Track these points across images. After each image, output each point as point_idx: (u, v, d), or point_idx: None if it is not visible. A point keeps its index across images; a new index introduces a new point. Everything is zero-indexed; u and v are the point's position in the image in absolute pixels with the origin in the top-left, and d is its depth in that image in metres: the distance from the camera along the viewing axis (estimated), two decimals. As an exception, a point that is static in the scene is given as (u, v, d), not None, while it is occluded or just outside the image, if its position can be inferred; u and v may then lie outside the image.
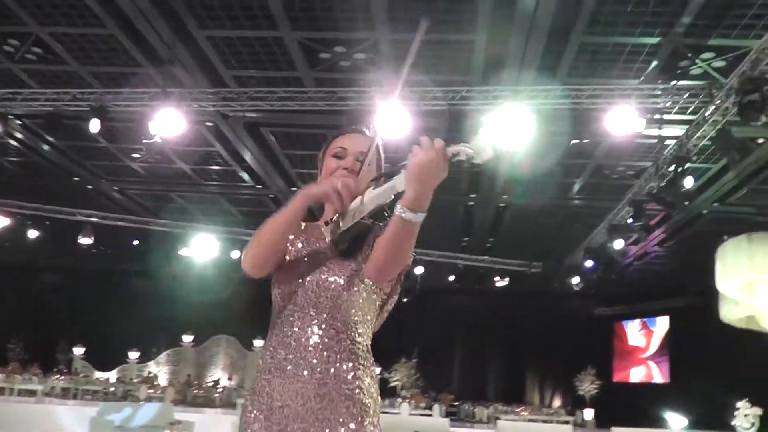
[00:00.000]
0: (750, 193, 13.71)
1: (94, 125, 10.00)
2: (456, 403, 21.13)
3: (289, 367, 2.14)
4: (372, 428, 2.08)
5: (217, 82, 10.46)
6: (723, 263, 11.80)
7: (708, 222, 15.56)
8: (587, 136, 10.92)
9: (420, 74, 9.71)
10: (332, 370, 2.11)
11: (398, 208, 1.95)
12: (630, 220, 12.75)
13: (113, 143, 12.82)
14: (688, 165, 10.17)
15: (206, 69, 10.16)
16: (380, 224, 2.21)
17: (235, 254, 18.01)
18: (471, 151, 1.86)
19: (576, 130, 10.85)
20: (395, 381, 21.54)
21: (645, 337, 24.55)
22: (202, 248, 17.63)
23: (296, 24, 8.94)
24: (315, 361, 2.12)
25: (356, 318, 2.19)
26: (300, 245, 2.32)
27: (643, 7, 8.17)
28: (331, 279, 2.20)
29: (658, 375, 23.79)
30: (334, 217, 2.19)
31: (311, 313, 2.19)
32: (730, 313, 13.65)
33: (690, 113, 10.25)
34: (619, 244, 13.80)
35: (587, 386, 23.18)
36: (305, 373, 2.12)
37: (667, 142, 11.02)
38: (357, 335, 2.18)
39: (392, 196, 2.11)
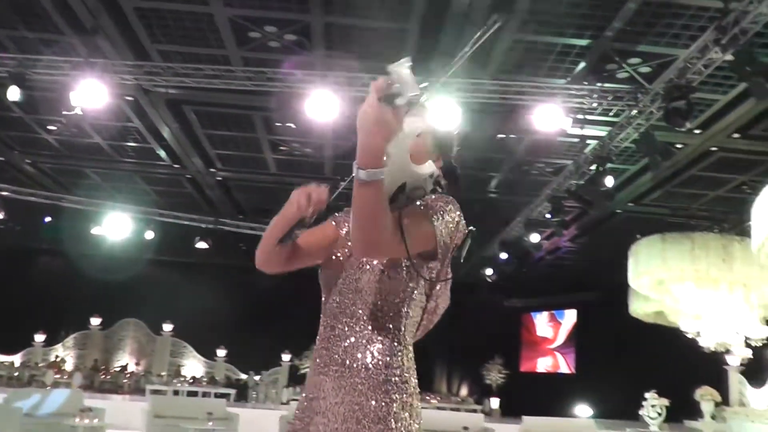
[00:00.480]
0: (664, 195, 14.21)
1: (13, 93, 9.50)
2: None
3: (317, 359, 2.10)
4: (400, 426, 1.96)
5: (141, 55, 10.14)
6: (636, 261, 12.22)
7: (621, 221, 16.05)
8: (513, 132, 11.07)
9: (351, 60, 9.68)
10: (350, 361, 2.01)
11: (354, 168, 1.75)
12: (548, 216, 13.02)
13: (29, 113, 12.29)
14: (608, 165, 10.42)
15: (131, 41, 9.82)
16: (411, 200, 2.10)
17: (149, 235, 17.63)
18: (398, 85, 1.67)
19: (502, 125, 10.98)
20: (306, 368, 21.46)
21: (553, 328, 25.22)
22: (115, 227, 17.15)
23: (228, 0, 8.75)
24: (335, 351, 2.05)
25: (384, 303, 2.05)
26: (346, 229, 2.26)
27: (576, 10, 8.31)
28: (355, 261, 2.12)
29: (564, 366, 24.47)
30: None
31: (337, 299, 2.12)
32: (640, 308, 14.19)
33: (613, 115, 10.54)
34: (535, 238, 14.08)
35: (494, 375, 23.65)
36: (327, 364, 2.05)
37: (588, 141, 11.28)
38: (386, 324, 2.05)
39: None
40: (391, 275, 2.04)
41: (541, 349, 25.47)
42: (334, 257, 2.19)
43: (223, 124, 12.55)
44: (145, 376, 21.24)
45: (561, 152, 12.48)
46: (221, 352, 22.45)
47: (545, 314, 25.53)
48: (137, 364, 23.00)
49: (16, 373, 19.99)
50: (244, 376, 22.30)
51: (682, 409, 13.24)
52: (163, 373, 21.80)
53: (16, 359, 22.07)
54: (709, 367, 13.61)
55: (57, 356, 22.35)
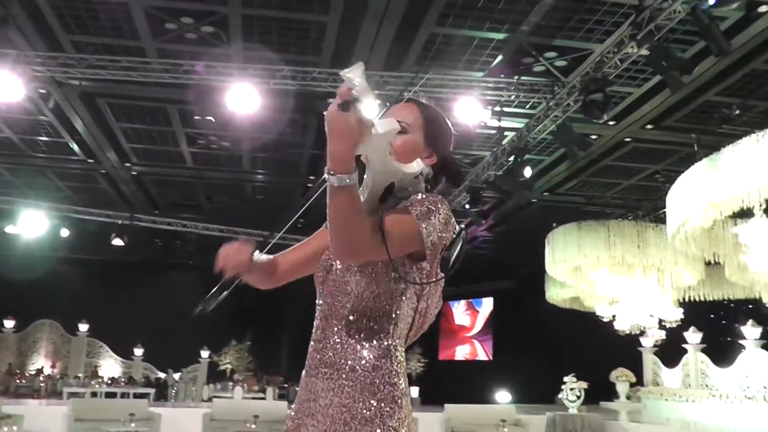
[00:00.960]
0: (579, 185, 14.57)
1: None
2: (285, 386, 21.13)
3: (308, 360, 2.07)
4: (390, 429, 1.92)
5: (54, 47, 9.82)
6: (553, 249, 12.50)
7: (536, 210, 16.38)
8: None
9: (270, 52, 9.59)
10: (339, 363, 1.99)
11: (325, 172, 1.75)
12: (467, 206, 13.17)
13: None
14: (527, 156, 10.61)
15: (44, 32, 9.50)
16: (398, 201, 2.06)
17: (64, 232, 17.13)
18: (356, 88, 1.67)
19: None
20: (225, 364, 21.23)
21: (470, 317, 25.58)
22: (30, 225, 16.60)
23: (143, -9, 8.57)
24: (336, 357, 2.01)
25: (374, 306, 2.02)
26: None
27: (493, 4, 8.43)
28: (347, 269, 2.07)
29: (482, 353, 24.86)
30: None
31: (331, 301, 2.09)
32: (557, 294, 14.55)
33: (529, 107, 10.73)
34: (454, 228, 14.21)
35: (414, 364, 23.85)
36: (317, 366, 2.03)
37: (506, 133, 11.46)
38: (376, 327, 2.02)
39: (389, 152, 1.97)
40: (380, 277, 2.02)
41: (459, 338, 25.81)
42: (326, 260, 2.15)
43: (139, 117, 12.28)
44: (62, 378, 20.61)
45: (478, 144, 12.64)
46: (138, 351, 21.96)
47: (462, 303, 25.86)
48: (53, 366, 22.24)
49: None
50: (162, 375, 21.90)
51: (599, 391, 13.61)
52: (79, 375, 21.21)
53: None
54: (624, 350, 14.00)
55: (-30, 361, 21.49)
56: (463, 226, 2.08)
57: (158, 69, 9.89)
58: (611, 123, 11.27)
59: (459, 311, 25.95)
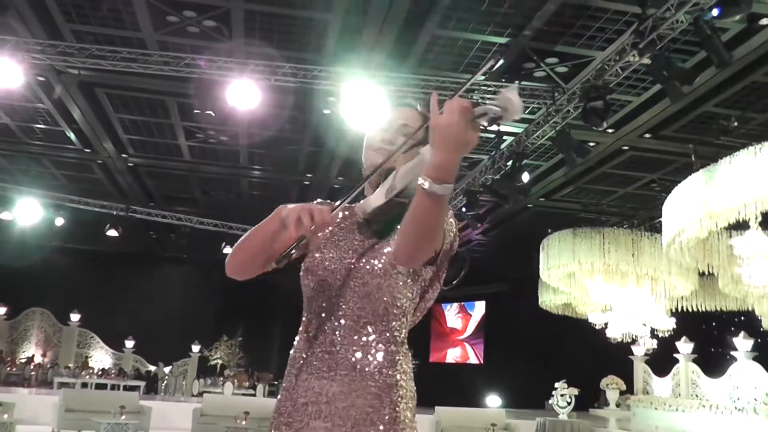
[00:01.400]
0: (576, 191, 14.58)
1: None
2: (276, 382, 21.12)
3: (315, 362, 2.00)
4: (402, 429, 1.93)
5: (54, 35, 9.78)
6: (547, 254, 12.53)
7: (531, 215, 16.39)
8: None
9: (272, 48, 9.58)
10: (361, 365, 1.96)
11: (420, 179, 1.73)
12: (463, 209, 13.18)
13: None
14: (525, 161, 10.62)
15: (44, 19, 9.45)
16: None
17: (59, 221, 17.07)
18: (499, 109, 1.66)
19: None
20: (216, 359, 21.22)
21: (462, 320, 25.59)
22: (25, 212, 16.54)
23: (147, -17, 8.55)
24: (342, 355, 1.98)
25: (390, 307, 2.02)
26: (332, 229, 2.16)
27: (497, 8, 8.41)
28: (363, 264, 2.04)
29: (473, 356, 24.87)
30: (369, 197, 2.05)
31: (340, 302, 2.03)
32: (549, 300, 14.58)
33: (529, 113, 10.72)
34: (450, 231, 14.22)
35: (405, 366, 23.83)
36: (332, 368, 1.98)
37: (505, 138, 11.47)
38: (390, 326, 2.01)
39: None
40: (400, 280, 2.03)
41: (451, 340, 25.81)
42: (340, 263, 2.10)
43: (137, 108, 12.23)
44: (53, 368, 20.58)
45: (477, 147, 12.61)
46: (129, 343, 21.94)
47: (455, 306, 25.87)
48: (44, 355, 22.23)
49: None
50: (152, 368, 21.88)
51: (589, 397, 13.64)
52: (70, 365, 21.18)
53: None
54: (615, 357, 14.06)
55: (-39, 348, 21.45)
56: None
57: (159, 61, 9.86)
58: (610, 131, 11.28)
59: (451, 314, 25.96)
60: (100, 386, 18.25)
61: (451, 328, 25.89)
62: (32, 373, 20.25)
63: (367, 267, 2.03)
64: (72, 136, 13.60)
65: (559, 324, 16.00)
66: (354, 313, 2.02)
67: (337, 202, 2.04)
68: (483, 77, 9.97)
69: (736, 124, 10.47)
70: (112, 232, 16.88)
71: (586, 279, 12.50)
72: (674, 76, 7.82)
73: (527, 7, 8.37)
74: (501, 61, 9.47)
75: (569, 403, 12.63)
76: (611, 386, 13.24)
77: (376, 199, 2.02)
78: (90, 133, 13.39)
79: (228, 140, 13.24)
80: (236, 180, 15.93)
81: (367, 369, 1.96)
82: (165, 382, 21.00)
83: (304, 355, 2.04)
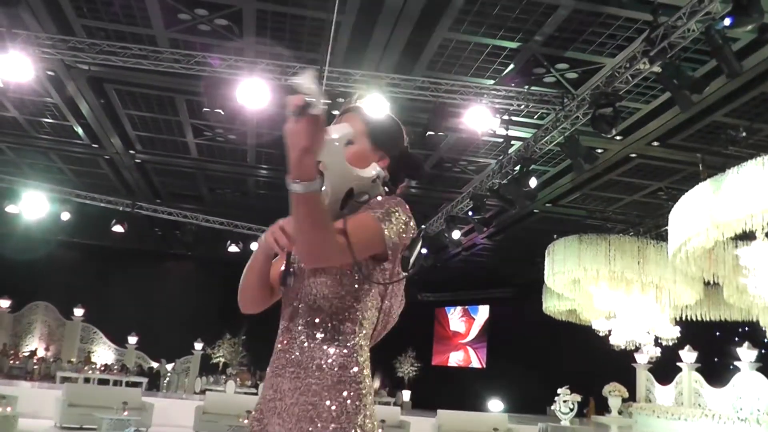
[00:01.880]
0: (582, 197, 14.57)
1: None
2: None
3: (275, 361, 2.09)
4: (358, 428, 1.95)
5: (65, 30, 9.80)
6: (553, 260, 12.49)
7: (537, 220, 16.38)
8: (440, 129, 11.14)
9: (282, 48, 9.59)
10: (304, 363, 2.01)
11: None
12: (470, 213, 13.18)
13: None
14: (532, 166, 10.61)
15: (55, 14, 9.48)
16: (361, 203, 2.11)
17: (65, 216, 17.09)
18: (308, 96, 1.67)
19: (430, 122, 11.02)
20: (218, 357, 21.23)
21: (466, 323, 25.59)
22: (31, 206, 16.57)
23: (159, -20, 8.57)
24: (290, 353, 2.05)
25: (339, 306, 2.05)
26: None
27: (508, 12, 8.41)
28: (299, 268, 2.10)
29: (476, 360, 24.86)
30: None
31: (288, 303, 2.13)
32: (553, 306, 14.55)
33: (537, 118, 10.73)
34: (456, 234, 14.25)
35: (407, 368, 23.87)
36: (284, 366, 2.05)
37: (513, 142, 11.46)
38: (333, 325, 2.04)
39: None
40: (344, 279, 2.05)
41: (454, 344, 25.81)
42: (292, 263, 2.14)
43: (146, 105, 12.26)
44: (56, 362, 20.60)
45: (484, 151, 12.64)
46: (132, 339, 21.96)
47: (459, 309, 25.88)
48: (47, 349, 22.25)
49: None
50: (155, 364, 21.90)
51: (584, 405, 13.61)
52: (73, 360, 21.20)
53: None
54: (618, 365, 14.03)
55: (-35, 340, 21.47)
56: (423, 227, 2.13)
57: (169, 59, 9.88)
58: (618, 138, 11.26)
59: (454, 317, 25.96)
60: (103, 382, 18.29)
61: (454, 331, 25.89)
62: (35, 366, 20.29)
63: (312, 269, 2.07)
64: (80, 131, 13.64)
65: (562, 330, 15.98)
66: (296, 313, 2.09)
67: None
68: (492, 81, 9.99)
69: (744, 134, 10.44)
70: (118, 228, 16.91)
71: (591, 285, 12.47)
72: (684, 84, 7.80)
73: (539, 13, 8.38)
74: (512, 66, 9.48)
75: (572, 410, 12.60)
76: (613, 393, 13.21)
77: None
78: (98, 129, 13.42)
79: (236, 139, 13.26)
80: (243, 178, 15.95)
81: (310, 366, 2.00)
82: (167, 379, 21.03)
83: (273, 358, 2.12)
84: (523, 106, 10.08)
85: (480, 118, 9.73)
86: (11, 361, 20.21)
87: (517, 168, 11.05)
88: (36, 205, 16.65)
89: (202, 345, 21.24)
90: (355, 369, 2.02)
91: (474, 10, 8.47)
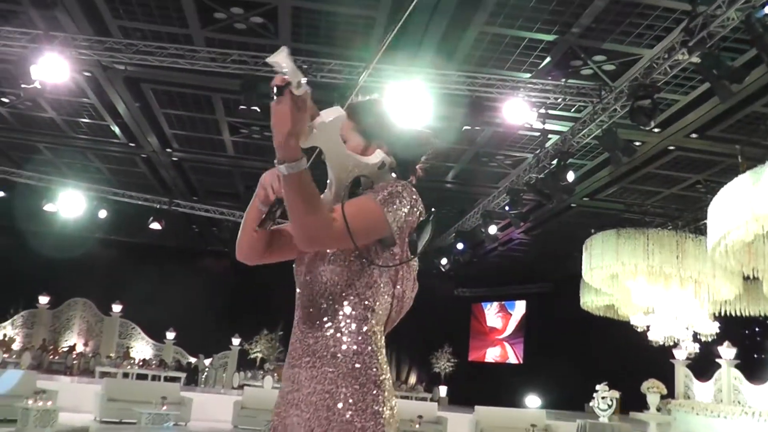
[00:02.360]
0: (619, 191, 14.44)
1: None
2: (316, 377, 21.21)
3: (291, 353, 2.09)
4: (375, 408, 1.96)
5: (101, 31, 9.91)
6: (590, 255, 12.40)
7: (574, 215, 16.25)
8: (477, 124, 11.12)
9: (317, 45, 9.62)
10: (319, 352, 2.01)
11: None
12: (507, 208, 13.12)
13: (-20, 85, 11.96)
14: (570, 160, 10.53)
15: (92, 15, 9.59)
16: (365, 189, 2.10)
17: (102, 214, 17.29)
18: (283, 72, 1.69)
19: (467, 116, 11.01)
20: (255, 353, 21.38)
21: (502, 319, 25.49)
22: (69, 205, 16.80)
23: (195, -21, 8.62)
24: (306, 343, 2.06)
25: (350, 293, 2.04)
26: None
27: (545, 5, 8.34)
28: (308, 259, 2.12)
29: (512, 356, 24.76)
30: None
31: (309, 291, 2.11)
32: (591, 301, 14.43)
33: (574, 111, 10.64)
34: (493, 229, 14.19)
35: (443, 364, 23.85)
36: (300, 356, 2.05)
37: (550, 136, 11.38)
38: (353, 314, 2.04)
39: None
40: (353, 266, 2.05)
41: (490, 339, 25.73)
42: (301, 252, 2.18)
43: (182, 104, 12.36)
44: (95, 357, 20.89)
45: (521, 145, 12.57)
46: (170, 335, 22.20)
47: (495, 305, 25.79)
48: (86, 344, 22.60)
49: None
50: (192, 359, 22.11)
51: (629, 401, 13.50)
52: (111, 355, 21.50)
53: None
54: (656, 361, 13.90)
55: (5, 335, 21.84)
56: (433, 210, 2.11)
57: (205, 57, 9.95)
58: (656, 130, 11.12)
59: (491, 313, 25.88)
60: (141, 376, 18.49)
61: (490, 327, 25.81)
62: (74, 361, 20.59)
63: (321, 256, 2.08)
64: (117, 130, 13.79)
65: (600, 326, 15.85)
66: (309, 303, 2.09)
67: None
68: (529, 75, 9.93)
69: (784, 124, 10.30)
70: (155, 225, 17.05)
71: (629, 280, 12.35)
72: (724, 74, 7.67)
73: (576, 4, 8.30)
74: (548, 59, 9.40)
75: (610, 406, 12.49)
76: (652, 390, 13.06)
77: (325, 195, 2.04)
78: (135, 128, 13.56)
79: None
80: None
81: (326, 355, 2.00)
82: (205, 374, 21.22)
83: (290, 349, 2.12)
84: (560, 99, 9.98)
85: (517, 112, 9.67)
86: (51, 356, 20.54)
87: (555, 162, 10.96)
88: (73, 204, 16.86)
89: (240, 340, 21.42)
90: (370, 355, 2.02)
91: (510, 3, 8.41)
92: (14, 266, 19.66)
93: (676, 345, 13.57)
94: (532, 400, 21.93)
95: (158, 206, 17.22)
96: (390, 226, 2.00)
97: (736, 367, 12.20)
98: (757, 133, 10.78)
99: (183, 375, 19.59)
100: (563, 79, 9.82)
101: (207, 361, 21.57)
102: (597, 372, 13.92)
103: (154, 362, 20.99)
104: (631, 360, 14.65)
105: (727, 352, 12.26)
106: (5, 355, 18.51)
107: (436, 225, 2.11)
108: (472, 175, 14.52)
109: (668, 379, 13.52)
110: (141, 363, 20.46)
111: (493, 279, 24.37)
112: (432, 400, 19.48)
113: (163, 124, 13.33)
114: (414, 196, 2.08)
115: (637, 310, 13.54)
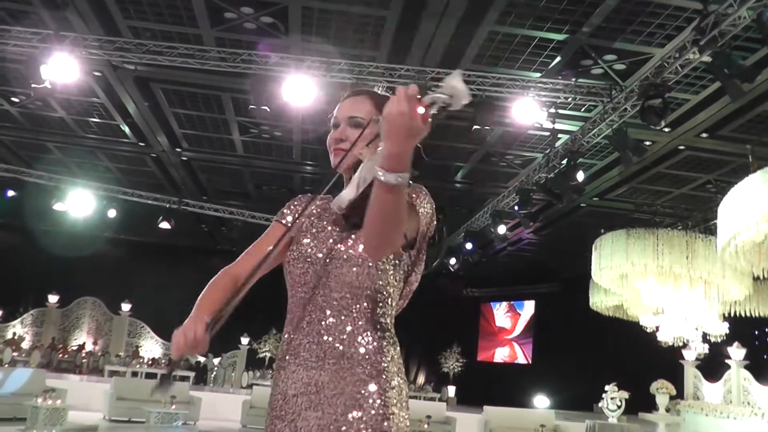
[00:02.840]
0: (629, 191, 14.41)
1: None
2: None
3: (302, 353, 2.03)
4: (393, 410, 1.96)
5: (111, 31, 9.93)
6: (600, 255, 12.37)
7: (584, 214, 16.23)
8: (487, 123, 11.09)
9: (328, 44, 9.62)
10: (348, 353, 1.99)
11: (376, 170, 1.73)
12: (516, 207, 13.11)
13: (-6, 85, 12.02)
14: (580, 159, 10.51)
15: (102, 15, 9.61)
16: None
17: (111, 213, 17.33)
18: (446, 97, 1.64)
19: (476, 116, 10.98)
20: (264, 352, 21.40)
21: (511, 319, 25.46)
22: (78, 204, 16.85)
23: (205, -21, 8.64)
24: (329, 344, 2.01)
25: (373, 294, 2.05)
26: (312, 220, 2.21)
27: (556, 4, 8.33)
28: (342, 254, 2.08)
29: (521, 356, 24.72)
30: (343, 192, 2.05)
31: (324, 292, 2.06)
32: (600, 301, 14.40)
33: (584, 110, 10.62)
34: (502, 229, 14.18)
35: (452, 364, 23.83)
36: (320, 358, 2.01)
37: (560, 135, 11.37)
38: (375, 313, 2.05)
39: None
40: (380, 266, 2.07)
41: (499, 339, 25.69)
42: (308, 253, 2.14)
43: (192, 103, 12.38)
44: (104, 356, 20.95)
45: (530, 145, 12.56)
46: (179, 334, 22.19)
47: (504, 305, 25.76)
48: (95, 343, 22.66)
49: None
50: (202, 359, 22.14)
51: (638, 401, 13.48)
52: (120, 354, 21.55)
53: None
54: (665, 361, 13.87)
55: (15, 333, 21.91)
56: (442, 219, 2.14)
57: (215, 57, 9.96)
58: (666, 130, 11.09)
59: (500, 313, 25.84)
60: (150, 375, 18.51)
61: (499, 327, 25.78)
62: (83, 360, 20.65)
63: (345, 256, 2.06)
64: (126, 129, 13.83)
65: (609, 326, 15.82)
66: (338, 302, 2.04)
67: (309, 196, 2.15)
68: (539, 74, 9.92)
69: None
70: (165, 224, 17.08)
71: (639, 281, 12.32)
72: (735, 74, 7.65)
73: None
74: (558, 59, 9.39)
75: (619, 407, 12.46)
76: (661, 390, 13.02)
77: (348, 193, 2.00)
78: (144, 127, 13.59)
79: (281, 135, 13.34)
80: (289, 175, 16.04)
81: (355, 356, 1.98)
82: (214, 373, 21.24)
83: (291, 349, 2.06)
84: (570, 99, 9.97)
85: (526, 112, 9.66)
86: (60, 355, 20.60)
87: (564, 162, 10.96)
88: (83, 203, 16.90)
89: (249, 340, 21.43)
90: (392, 352, 2.04)
91: (521, 2, 8.41)
92: (24, 265, 19.79)
93: (685, 345, 13.53)
94: (541, 401, 21.89)
95: (168, 206, 17.25)
96: (420, 231, 2.06)
97: (746, 368, 12.15)
98: (767, 133, 10.75)
99: (192, 374, 19.61)
100: (573, 79, 9.80)
101: (216, 361, 21.59)
102: (606, 372, 13.91)
103: (163, 361, 21.01)
104: (640, 360, 14.63)
105: (736, 352, 12.22)
106: (15, 354, 18.55)
107: (443, 226, 2.16)
108: (481, 175, 14.50)
109: (677, 380, 13.48)
110: (150, 362, 20.50)
111: (501, 279, 24.35)
112: (440, 400, 19.46)
113: (172, 123, 13.35)
114: (432, 202, 2.12)
115: (647, 310, 13.51)
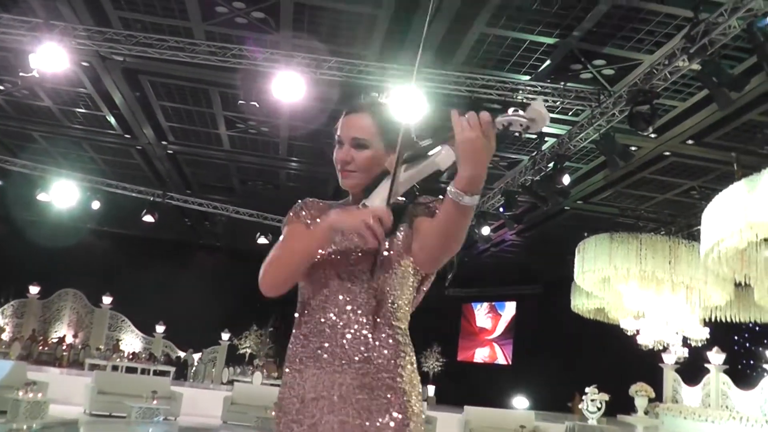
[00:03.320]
0: (614, 195, 14.49)
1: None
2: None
3: (324, 356, 2.03)
4: (414, 418, 2.00)
5: (101, 21, 9.87)
6: (583, 258, 12.44)
7: (567, 217, 16.30)
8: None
9: (318, 42, 9.62)
10: (371, 357, 2.01)
11: (452, 192, 1.82)
12: (501, 209, 13.15)
13: (-22, 73, 11.91)
14: (566, 163, 10.56)
15: (92, 6, 9.55)
16: (416, 203, 2.15)
17: (95, 205, 17.22)
18: (525, 120, 1.75)
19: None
20: (245, 348, 21.34)
21: (492, 320, 25.53)
22: (62, 195, 16.73)
23: (197, -27, 8.61)
24: (352, 348, 2.02)
25: (397, 301, 2.09)
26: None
27: (548, 8, 8.36)
28: (369, 261, 2.08)
29: (501, 357, 24.80)
30: (365, 200, 2.07)
31: (347, 298, 2.07)
32: (582, 304, 14.49)
33: (572, 114, 10.67)
34: (486, 230, 14.22)
35: (432, 363, 23.87)
36: (343, 362, 2.01)
37: (546, 139, 11.42)
38: (395, 319, 2.08)
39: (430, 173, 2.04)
40: (405, 276, 2.13)
41: (480, 340, 25.76)
42: (365, 257, 2.12)
43: (180, 96, 12.32)
44: (84, 349, 20.83)
45: (516, 147, 12.60)
46: (160, 328, 22.15)
47: (485, 305, 25.83)
48: (75, 336, 22.51)
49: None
50: (182, 354, 22.09)
51: (617, 404, 13.57)
52: (101, 347, 21.45)
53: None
54: (645, 365, 13.96)
55: (-5, 324, 21.78)
56: None
57: (205, 51, 9.92)
58: (652, 136, 11.16)
59: (481, 313, 25.91)
60: (131, 370, 18.46)
61: (480, 327, 25.85)
62: (64, 353, 20.53)
63: (382, 263, 2.08)
64: (113, 121, 13.74)
65: (589, 328, 15.93)
66: (363, 308, 2.06)
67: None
68: (528, 77, 9.96)
69: (780, 133, 10.36)
70: (148, 218, 17.00)
71: (621, 284, 12.41)
72: (724, 82, 7.72)
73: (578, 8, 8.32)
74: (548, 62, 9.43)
75: (599, 409, 12.55)
76: (640, 393, 13.14)
77: (375, 204, 2.02)
78: (131, 119, 13.51)
79: (268, 131, 13.31)
80: (274, 171, 16.00)
81: (380, 361, 2.01)
82: (194, 368, 21.19)
83: (308, 351, 2.06)
84: (558, 103, 10.02)
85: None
86: (40, 347, 20.46)
87: (551, 165, 11.01)
88: (67, 194, 16.79)
89: (229, 336, 21.39)
90: (412, 358, 2.09)
91: (512, 5, 8.43)
92: (6, 255, 19.61)
93: (665, 349, 13.64)
94: (520, 401, 21.98)
95: (152, 199, 17.17)
96: None
97: (725, 372, 12.26)
98: (753, 141, 10.84)
99: (172, 369, 19.56)
100: (562, 83, 9.85)
101: (196, 356, 21.54)
102: (585, 375, 13.99)
103: (143, 355, 20.94)
104: (619, 363, 14.71)
105: (716, 357, 12.32)
106: (-6, 345, 18.47)
107: None
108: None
109: (656, 383, 13.59)
110: (131, 356, 20.43)
111: (484, 279, 24.41)
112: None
113: (159, 116, 13.29)
114: None
115: (628, 313, 13.62)
